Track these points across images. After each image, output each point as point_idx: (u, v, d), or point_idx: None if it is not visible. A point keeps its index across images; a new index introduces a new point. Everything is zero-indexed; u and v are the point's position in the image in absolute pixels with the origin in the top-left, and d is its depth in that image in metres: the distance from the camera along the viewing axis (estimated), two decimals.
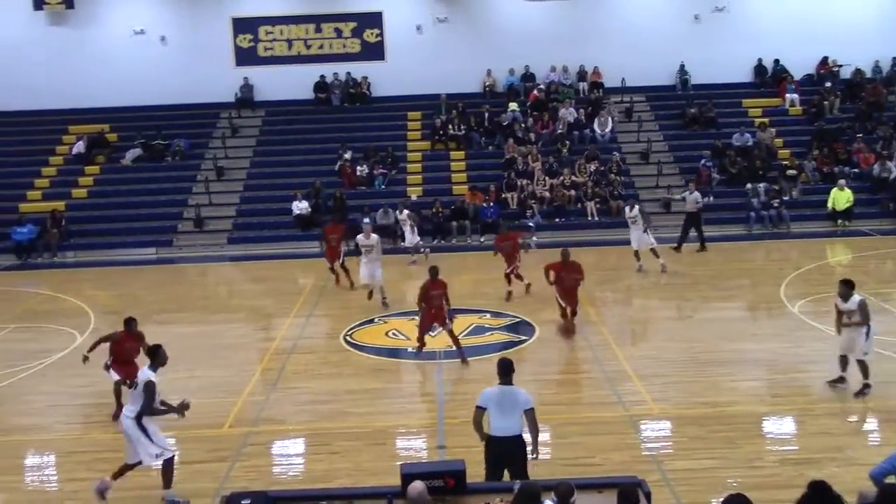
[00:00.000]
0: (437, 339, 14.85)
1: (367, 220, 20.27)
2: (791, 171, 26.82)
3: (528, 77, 31.18)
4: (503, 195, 26.59)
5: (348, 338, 15.94)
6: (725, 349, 14.39)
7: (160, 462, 9.47)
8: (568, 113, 29.43)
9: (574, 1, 30.34)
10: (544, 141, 28.78)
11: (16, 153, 29.54)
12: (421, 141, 29.73)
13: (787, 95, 30.22)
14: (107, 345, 12.13)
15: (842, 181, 25.57)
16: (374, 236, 18.05)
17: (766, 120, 28.97)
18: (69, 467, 10.77)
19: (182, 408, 9.64)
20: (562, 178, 26.81)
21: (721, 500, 6.21)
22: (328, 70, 31.01)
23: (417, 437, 11.53)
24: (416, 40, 30.81)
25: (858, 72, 30.83)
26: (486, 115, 29.59)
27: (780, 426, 11.59)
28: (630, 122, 29.92)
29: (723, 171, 27.17)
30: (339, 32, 31.13)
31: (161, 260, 25.12)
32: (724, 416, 11.55)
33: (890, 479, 7.40)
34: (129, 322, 12.12)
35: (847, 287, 12.02)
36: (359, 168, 27.90)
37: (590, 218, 25.95)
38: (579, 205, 26.37)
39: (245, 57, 30.93)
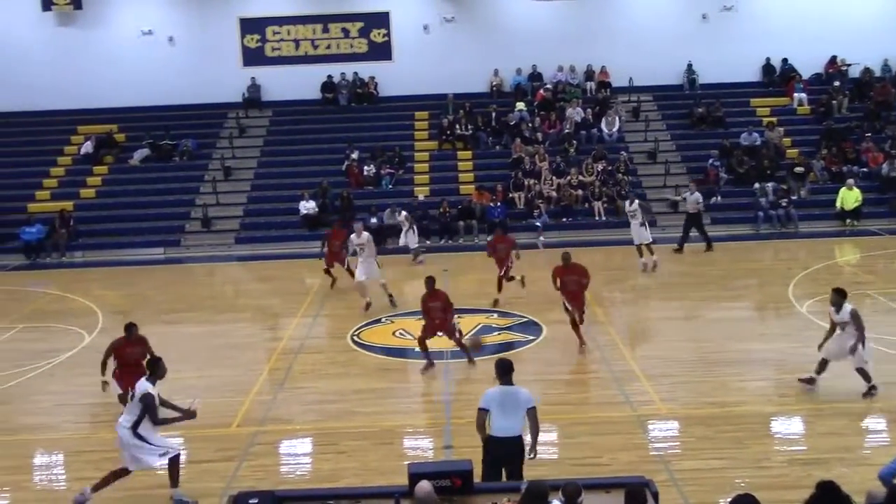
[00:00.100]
0: (444, 340, 14.81)
1: (358, 220, 20.06)
2: (799, 169, 26.72)
3: (536, 77, 31.16)
4: (510, 195, 26.58)
5: (355, 337, 15.95)
6: (733, 349, 14.35)
7: (166, 461, 9.47)
8: (575, 112, 29.40)
9: (581, 0, 30.33)
10: (551, 140, 28.76)
11: (24, 153, 29.63)
12: (428, 141, 29.73)
13: (796, 95, 30.12)
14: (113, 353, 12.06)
15: (850, 181, 25.50)
16: (366, 234, 18.05)
17: (774, 119, 28.89)
18: (77, 466, 10.78)
19: (189, 414, 9.63)
20: (569, 177, 26.78)
21: (729, 500, 6.19)
22: (335, 70, 31.04)
23: (424, 437, 11.54)
24: (423, 40, 30.82)
25: (867, 71, 30.73)
26: (494, 114, 29.59)
27: (788, 426, 11.56)
28: (637, 121, 29.88)
29: (730, 171, 27.11)
30: (346, 32, 31.16)
31: (169, 260, 25.19)
32: (732, 416, 11.51)
33: None
34: (129, 328, 12.02)
35: (839, 296, 11.87)
36: (366, 168, 27.92)
37: (597, 218, 25.92)
38: (586, 204, 26.35)
39: (252, 57, 30.99)
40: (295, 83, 30.53)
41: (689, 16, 30.73)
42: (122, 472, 9.50)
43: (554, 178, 26.95)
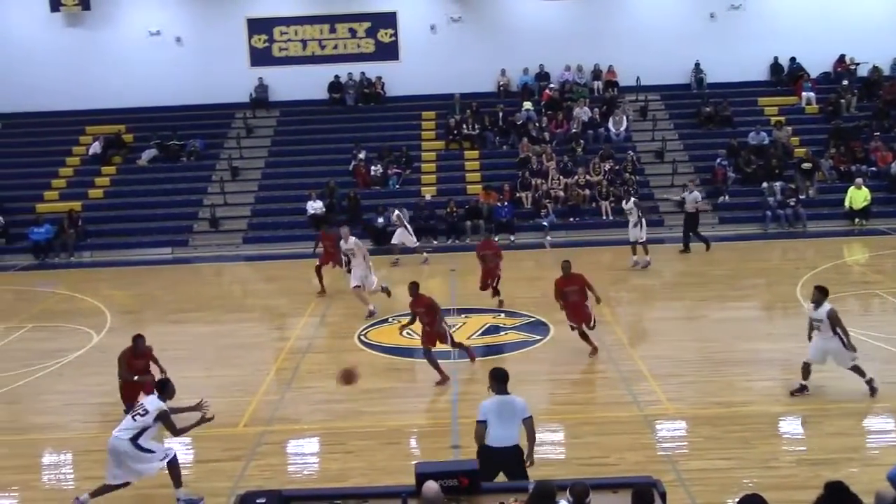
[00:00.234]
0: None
1: (345, 226, 19.38)
2: (806, 165, 26.58)
3: (543, 76, 31.13)
4: (517, 194, 26.57)
5: (363, 337, 15.97)
6: (741, 349, 14.31)
7: (164, 465, 9.45)
8: (582, 112, 29.37)
9: (589, 0, 30.28)
10: (559, 140, 28.73)
11: (33, 154, 29.75)
12: (435, 140, 29.74)
13: (804, 94, 30.02)
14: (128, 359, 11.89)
15: (859, 180, 25.41)
16: (353, 239, 17.85)
17: (782, 118, 28.81)
18: (86, 466, 10.82)
19: (203, 420, 9.75)
20: (576, 177, 26.76)
21: (737, 500, 6.18)
22: (342, 70, 31.07)
23: (431, 437, 11.53)
24: (431, 40, 30.83)
25: (876, 70, 30.63)
26: (501, 114, 29.58)
27: (795, 426, 11.52)
28: (645, 121, 29.82)
29: (738, 171, 27.04)
30: (353, 32, 31.19)
31: (177, 259, 25.25)
32: (739, 416, 11.49)
33: None
34: (136, 339, 11.83)
35: (820, 294, 11.75)
36: (373, 168, 27.93)
37: (604, 217, 25.87)
38: (594, 204, 26.32)
39: (260, 57, 31.05)
40: (302, 83, 30.58)
41: (697, 15, 30.68)
42: (123, 486, 9.48)
43: (561, 177, 26.93)
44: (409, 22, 30.99)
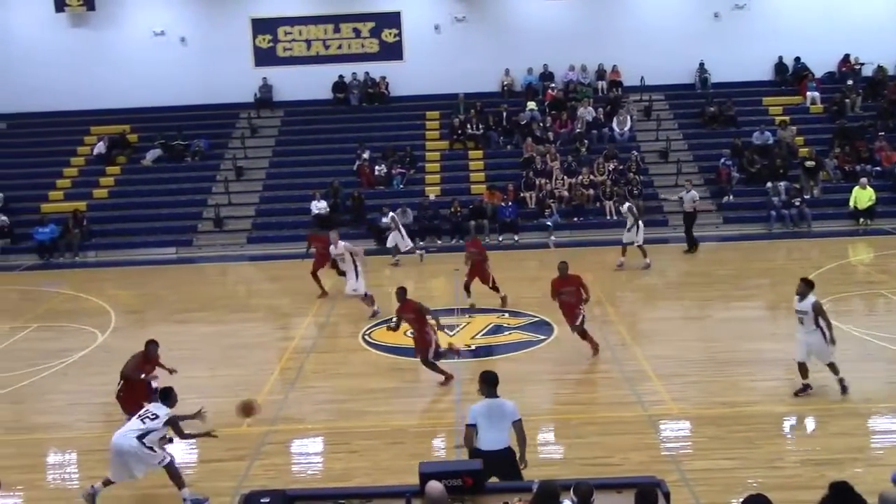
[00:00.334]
0: (454, 339, 14.84)
1: (334, 231, 19.25)
2: (809, 163, 26.51)
3: (547, 76, 31.11)
4: (521, 194, 26.56)
5: (366, 337, 15.98)
6: (745, 349, 14.29)
7: (163, 466, 9.47)
8: (586, 112, 29.35)
9: None
10: (563, 140, 28.72)
11: (38, 154, 29.79)
12: (439, 140, 29.73)
13: (808, 93, 29.98)
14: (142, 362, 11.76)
15: (863, 179, 25.36)
16: (342, 244, 17.70)
17: (786, 118, 28.75)
18: (90, 465, 10.83)
19: (209, 434, 9.92)
20: (580, 177, 26.74)
21: (741, 500, 6.17)
22: (347, 70, 31.09)
23: (435, 436, 11.53)
24: (435, 40, 30.83)
25: (880, 69, 30.55)
26: (505, 114, 29.58)
27: (799, 426, 11.52)
28: (649, 120, 29.80)
29: (742, 170, 27.00)
30: (357, 32, 31.20)
31: (181, 259, 25.28)
32: (743, 416, 11.48)
33: None
34: (148, 345, 11.68)
35: (806, 286, 11.73)
36: (377, 168, 27.94)
37: (608, 217, 25.82)
38: (598, 204, 26.29)
39: (264, 57, 31.08)
40: (306, 83, 30.60)
41: (701, 14, 30.63)
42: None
43: (565, 177, 26.91)
44: (413, 22, 31.00)
